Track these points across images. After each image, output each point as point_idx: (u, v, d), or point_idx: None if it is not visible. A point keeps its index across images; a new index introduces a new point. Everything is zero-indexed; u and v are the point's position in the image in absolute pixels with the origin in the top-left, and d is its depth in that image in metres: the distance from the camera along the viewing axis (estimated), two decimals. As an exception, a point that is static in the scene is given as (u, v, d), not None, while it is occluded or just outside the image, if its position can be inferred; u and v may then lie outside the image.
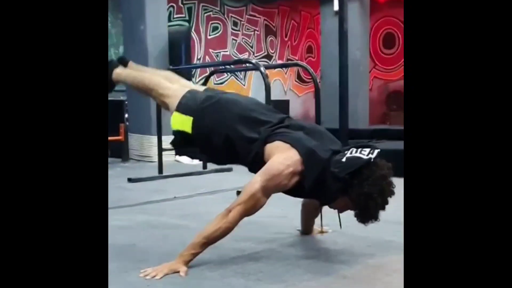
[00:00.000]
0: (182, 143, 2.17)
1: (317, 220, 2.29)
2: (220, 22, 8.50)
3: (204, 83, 4.88)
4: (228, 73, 8.32)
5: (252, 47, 9.00)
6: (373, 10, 8.56)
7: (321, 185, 1.84)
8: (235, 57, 8.56)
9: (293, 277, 1.79)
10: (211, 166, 4.80)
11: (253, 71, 7.56)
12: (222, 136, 1.99)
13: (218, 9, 8.45)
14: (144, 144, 5.96)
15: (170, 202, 3.44)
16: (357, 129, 6.87)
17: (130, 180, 4.32)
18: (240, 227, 1.87)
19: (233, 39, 8.69)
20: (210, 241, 1.85)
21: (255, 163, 1.94)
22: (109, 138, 5.01)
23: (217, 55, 8.40)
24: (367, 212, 1.82)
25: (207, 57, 8.26)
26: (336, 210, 1.97)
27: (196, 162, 5.61)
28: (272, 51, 9.39)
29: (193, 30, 7.94)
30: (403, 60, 8.57)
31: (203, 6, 8.21)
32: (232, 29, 8.68)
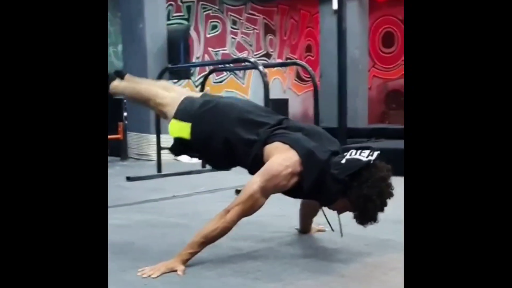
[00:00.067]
0: (181, 150, 2.18)
1: (317, 219, 2.29)
2: (219, 21, 8.49)
3: (203, 82, 4.89)
4: (227, 72, 8.31)
5: (251, 45, 8.99)
6: (372, 9, 8.57)
7: (320, 186, 1.84)
8: (234, 55, 8.55)
9: (290, 276, 1.79)
10: (210, 164, 4.80)
11: (253, 70, 7.55)
12: (221, 140, 1.99)
13: (217, 7, 8.44)
14: (143, 143, 5.96)
15: (169, 200, 3.44)
16: (356, 128, 6.88)
17: (128, 178, 4.32)
18: (238, 226, 1.87)
19: (232, 37, 8.68)
20: (208, 240, 1.85)
21: (255, 164, 1.93)
22: (108, 136, 5.01)
23: (216, 54, 8.39)
24: (366, 214, 1.82)
25: (206, 55, 8.25)
26: (335, 212, 1.97)
27: (195, 160, 5.60)
28: (271, 50, 9.39)
29: (192, 28, 7.93)
30: (402, 59, 8.60)
31: (202, 4, 8.20)
32: (231, 27, 8.67)
